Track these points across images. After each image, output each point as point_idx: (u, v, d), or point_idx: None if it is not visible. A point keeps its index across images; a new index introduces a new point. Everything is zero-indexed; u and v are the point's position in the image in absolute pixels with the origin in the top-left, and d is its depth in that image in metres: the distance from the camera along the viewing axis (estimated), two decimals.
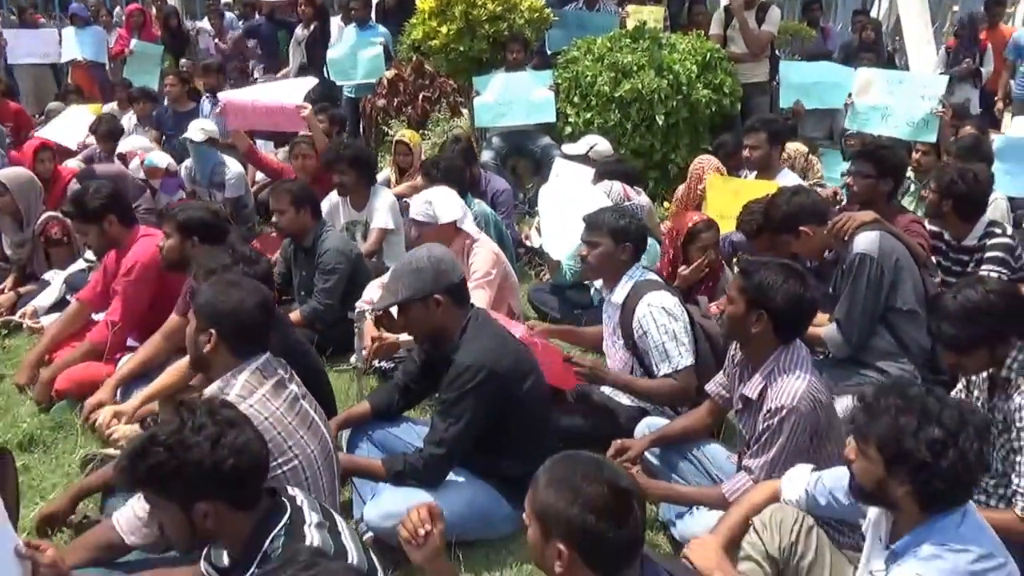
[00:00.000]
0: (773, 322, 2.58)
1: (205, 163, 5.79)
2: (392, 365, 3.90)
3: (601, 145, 5.56)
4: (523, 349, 2.96)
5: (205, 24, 10.47)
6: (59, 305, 4.61)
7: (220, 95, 6.00)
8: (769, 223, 3.69)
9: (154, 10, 10.22)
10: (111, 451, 3.14)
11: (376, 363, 3.90)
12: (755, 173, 5.12)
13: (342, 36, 7.62)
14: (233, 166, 5.88)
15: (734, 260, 4.41)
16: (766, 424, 2.54)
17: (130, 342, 3.92)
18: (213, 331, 2.35)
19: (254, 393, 2.33)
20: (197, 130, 5.80)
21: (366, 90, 7.21)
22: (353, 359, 4.02)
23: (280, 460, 2.27)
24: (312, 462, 2.37)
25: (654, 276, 3.46)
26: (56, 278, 4.73)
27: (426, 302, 2.74)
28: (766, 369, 2.61)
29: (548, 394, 3.00)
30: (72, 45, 9.34)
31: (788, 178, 4.99)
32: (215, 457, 1.78)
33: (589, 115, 6.32)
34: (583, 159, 5.44)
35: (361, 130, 7.39)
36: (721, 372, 2.95)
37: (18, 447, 3.39)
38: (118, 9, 11.78)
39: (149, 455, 1.78)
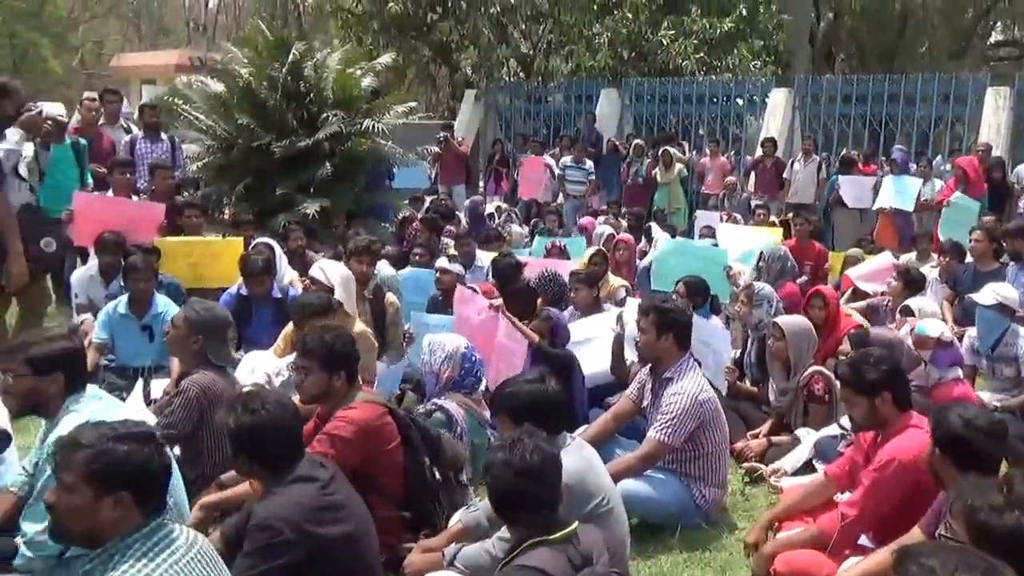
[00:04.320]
0: None
1: (990, 329, 4.91)
2: None
3: None
4: None
5: None
6: (805, 468, 4.21)
7: None
8: None
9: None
10: None
11: None
12: None
13: None
14: None
15: None
16: None
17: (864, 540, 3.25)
18: None
19: None
20: (989, 293, 4.92)
21: None
22: None
23: None
24: None
25: None
26: (807, 438, 4.33)
27: None
28: None
29: None
30: (888, 193, 9.26)
31: None
32: None
33: None
34: None
35: None
36: None
37: None
38: (939, 159, 11.40)
39: None
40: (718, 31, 14.51)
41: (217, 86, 8.37)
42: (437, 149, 11.35)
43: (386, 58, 9.44)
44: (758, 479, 4.27)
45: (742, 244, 7.14)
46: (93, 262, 5.84)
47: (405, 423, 3.30)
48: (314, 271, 4.74)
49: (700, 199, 11.93)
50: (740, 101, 13.76)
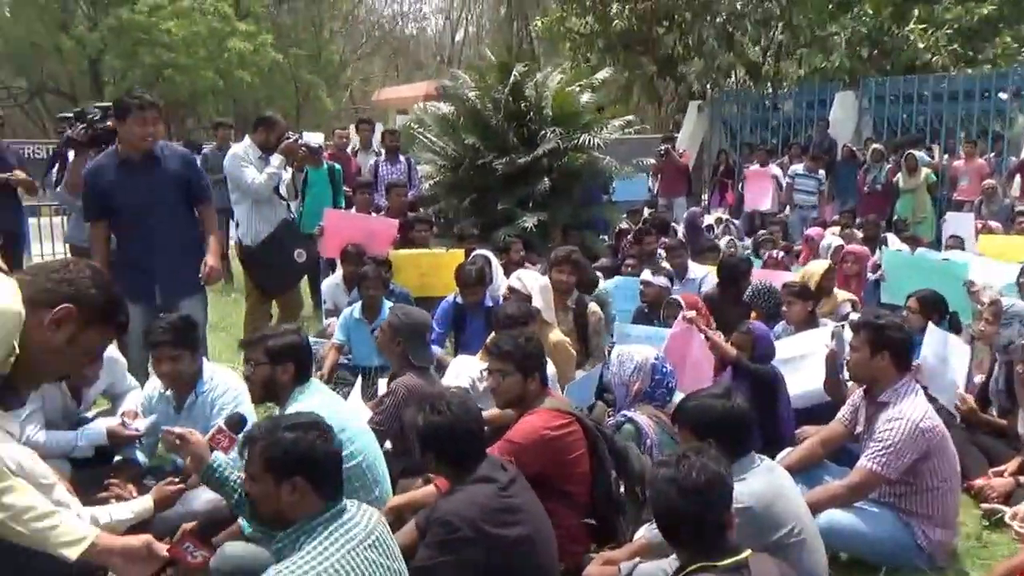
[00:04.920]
0: None
1: None
2: None
3: None
4: None
5: None
6: None
7: None
8: None
9: None
10: None
11: None
12: None
13: None
14: None
15: None
16: None
17: None
18: None
19: None
20: None
21: None
22: None
23: None
24: None
25: None
26: None
27: None
28: None
29: None
30: None
31: None
32: None
33: None
34: None
35: None
36: None
37: None
38: None
39: None
40: (975, 18, 12.80)
41: (448, 109, 8.88)
42: (654, 161, 11.16)
43: (603, 74, 9.45)
44: (999, 523, 3.64)
45: (997, 277, 5.92)
46: (339, 272, 6.45)
47: (593, 433, 3.22)
48: (512, 280, 4.82)
49: (952, 207, 10.57)
50: (1003, 96, 12.02)
